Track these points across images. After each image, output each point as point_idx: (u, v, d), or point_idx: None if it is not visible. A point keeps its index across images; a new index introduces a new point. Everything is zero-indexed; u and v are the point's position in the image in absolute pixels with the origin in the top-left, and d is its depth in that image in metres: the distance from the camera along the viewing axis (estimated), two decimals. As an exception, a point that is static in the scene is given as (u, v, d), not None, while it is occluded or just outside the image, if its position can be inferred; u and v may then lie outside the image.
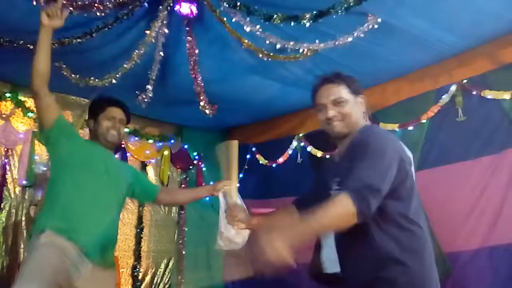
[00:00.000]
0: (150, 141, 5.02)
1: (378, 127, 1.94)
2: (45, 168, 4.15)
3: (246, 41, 3.18)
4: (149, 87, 3.54)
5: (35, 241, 2.12)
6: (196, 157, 5.26)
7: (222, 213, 2.30)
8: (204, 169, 5.27)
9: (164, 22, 3.08)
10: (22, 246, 3.92)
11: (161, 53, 3.30)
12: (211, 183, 3.50)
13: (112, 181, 2.39)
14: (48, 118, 2.28)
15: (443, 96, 3.64)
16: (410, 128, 3.80)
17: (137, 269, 4.77)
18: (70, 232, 2.15)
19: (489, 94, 3.36)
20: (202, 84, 3.59)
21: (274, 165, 4.96)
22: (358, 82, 1.91)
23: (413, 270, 1.59)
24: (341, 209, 1.49)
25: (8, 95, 4.06)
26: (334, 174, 1.77)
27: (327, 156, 4.34)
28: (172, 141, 5.22)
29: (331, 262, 2.66)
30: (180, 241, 5.08)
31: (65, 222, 2.17)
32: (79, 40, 3.08)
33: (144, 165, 5.00)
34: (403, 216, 1.64)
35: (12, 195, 4.04)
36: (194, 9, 2.95)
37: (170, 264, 5.02)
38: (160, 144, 5.11)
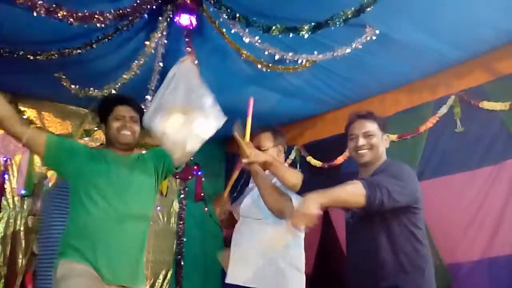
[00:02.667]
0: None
1: (398, 161, 2.21)
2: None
3: (245, 52, 3.19)
4: (149, 97, 3.55)
5: (54, 276, 2.01)
6: (195, 167, 5.26)
7: None
8: (203, 179, 5.26)
9: (164, 33, 3.11)
10: (20, 256, 3.91)
11: (161, 64, 3.32)
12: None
13: (123, 191, 2.13)
14: (37, 146, 2.08)
15: (441, 107, 3.65)
16: (409, 138, 3.81)
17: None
18: (85, 254, 2.00)
19: (487, 105, 3.37)
20: (202, 94, 3.60)
21: (273, 175, 4.95)
22: (386, 122, 2.26)
23: (417, 283, 1.94)
24: (353, 189, 1.85)
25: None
26: None
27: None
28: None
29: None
30: (179, 252, 5.06)
31: (79, 245, 2.02)
32: (79, 51, 3.09)
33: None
34: (414, 235, 1.98)
35: (11, 205, 4.03)
36: (194, 20, 2.96)
37: (169, 275, 5.00)
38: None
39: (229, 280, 2.40)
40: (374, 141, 2.11)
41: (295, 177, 2.24)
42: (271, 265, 2.36)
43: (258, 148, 2.36)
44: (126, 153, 2.24)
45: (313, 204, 1.71)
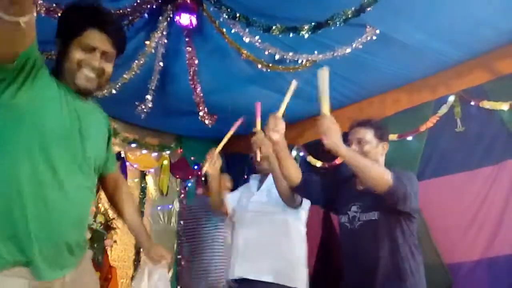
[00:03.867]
0: (150, 150, 5.03)
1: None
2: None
3: (245, 52, 3.20)
4: (149, 97, 3.55)
5: None
6: (196, 167, 5.26)
7: None
8: (203, 178, 5.26)
9: (164, 33, 3.10)
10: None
11: (161, 64, 3.32)
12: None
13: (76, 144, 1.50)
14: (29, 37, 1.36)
15: (442, 107, 3.64)
16: (409, 138, 3.81)
17: (136, 280, 4.74)
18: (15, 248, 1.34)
19: (487, 105, 3.37)
20: (202, 94, 3.61)
21: (273, 175, 4.96)
22: (387, 131, 2.33)
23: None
24: (384, 174, 1.91)
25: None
26: (354, 199, 2.18)
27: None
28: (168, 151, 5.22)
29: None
30: (180, 252, 5.06)
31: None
32: (79, 50, 3.09)
33: (143, 175, 5.00)
34: (413, 243, 2.08)
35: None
36: (194, 20, 2.96)
37: (169, 274, 5.00)
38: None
39: (239, 274, 2.50)
40: (366, 148, 2.17)
41: (297, 172, 2.26)
42: (282, 259, 2.49)
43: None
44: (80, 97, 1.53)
45: (337, 139, 1.89)
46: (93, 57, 1.48)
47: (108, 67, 1.54)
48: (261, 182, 2.79)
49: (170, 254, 1.84)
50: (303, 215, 2.68)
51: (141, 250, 4.73)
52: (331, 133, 1.89)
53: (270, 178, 2.65)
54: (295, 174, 2.25)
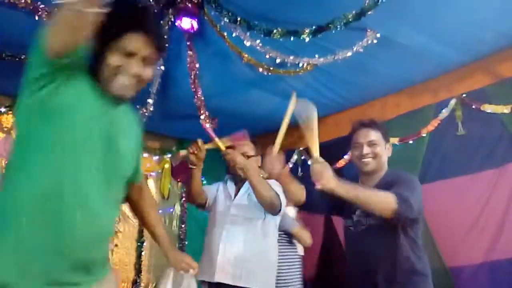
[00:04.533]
0: (151, 154, 5.03)
1: (400, 171, 2.29)
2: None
3: (246, 55, 3.20)
4: (150, 101, 3.56)
5: None
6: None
7: None
8: (204, 182, 5.26)
9: (165, 37, 3.11)
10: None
11: (162, 67, 3.33)
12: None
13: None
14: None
15: (443, 110, 3.64)
16: (411, 142, 3.81)
17: (138, 283, 4.73)
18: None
19: (489, 108, 3.36)
20: (203, 98, 3.61)
21: (275, 178, 4.95)
22: (388, 129, 2.32)
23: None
24: (386, 199, 1.88)
25: (9, 108, 4.09)
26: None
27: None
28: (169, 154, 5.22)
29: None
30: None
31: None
32: (80, 54, 3.09)
33: (145, 178, 5.00)
34: (417, 245, 2.08)
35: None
36: (195, 24, 2.97)
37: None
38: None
39: (220, 279, 2.49)
40: (378, 150, 2.16)
41: (302, 193, 2.27)
42: (261, 264, 2.54)
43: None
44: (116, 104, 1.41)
45: (332, 181, 1.84)
46: (133, 63, 1.32)
47: (149, 72, 1.38)
48: (236, 184, 2.81)
49: (196, 264, 1.81)
50: (278, 220, 2.75)
51: (142, 254, 4.76)
52: (325, 178, 1.86)
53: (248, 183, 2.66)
54: (301, 196, 2.25)
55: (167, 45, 3.15)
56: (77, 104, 1.28)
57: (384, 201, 1.89)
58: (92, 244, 1.32)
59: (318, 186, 1.85)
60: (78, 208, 1.26)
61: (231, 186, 2.83)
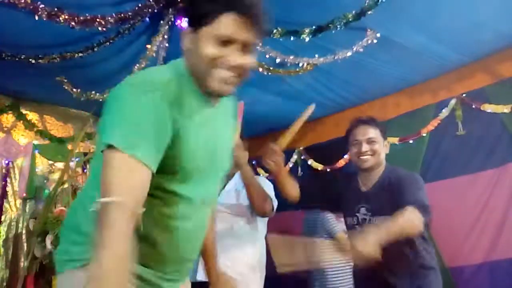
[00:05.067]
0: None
1: (399, 168, 2.27)
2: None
3: (246, 55, 3.20)
4: (150, 100, 3.56)
5: None
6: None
7: None
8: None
9: (165, 36, 3.11)
10: (22, 259, 3.90)
11: (162, 68, 3.33)
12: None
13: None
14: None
15: (443, 110, 3.64)
16: (411, 142, 3.81)
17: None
18: None
19: (489, 108, 3.37)
20: (203, 97, 3.61)
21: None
22: (387, 127, 2.33)
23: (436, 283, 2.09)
24: (413, 219, 1.84)
25: (9, 108, 4.09)
26: (361, 200, 2.16)
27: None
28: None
29: None
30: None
31: None
32: (80, 54, 3.10)
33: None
34: (425, 239, 2.13)
35: (13, 208, 4.04)
36: (195, 24, 2.97)
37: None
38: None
39: (201, 277, 2.26)
40: (376, 147, 2.15)
41: (297, 190, 2.24)
42: (245, 264, 2.42)
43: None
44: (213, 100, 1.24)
45: (373, 246, 1.67)
46: (232, 53, 1.11)
47: (250, 61, 1.17)
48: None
49: None
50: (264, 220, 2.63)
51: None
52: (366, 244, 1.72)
53: (235, 178, 2.55)
54: (296, 194, 2.23)
55: (167, 45, 3.16)
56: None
57: (412, 224, 1.85)
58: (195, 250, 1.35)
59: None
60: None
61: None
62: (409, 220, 1.84)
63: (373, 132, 2.18)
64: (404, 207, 1.85)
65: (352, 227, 2.22)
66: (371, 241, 1.67)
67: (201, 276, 2.29)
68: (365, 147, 2.15)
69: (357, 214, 2.17)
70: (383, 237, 1.71)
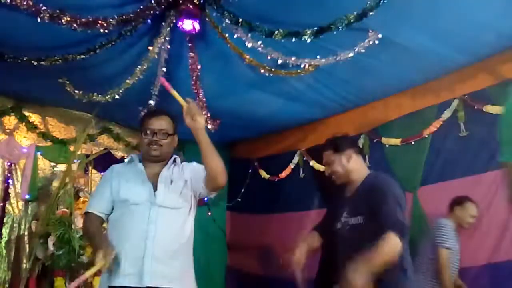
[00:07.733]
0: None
1: (383, 173, 2.40)
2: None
3: (247, 56, 3.20)
4: (152, 102, 3.56)
5: None
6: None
7: None
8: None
9: (167, 38, 3.12)
10: (24, 260, 3.91)
11: (164, 69, 3.33)
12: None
13: None
14: None
15: (445, 111, 3.63)
16: (412, 143, 3.80)
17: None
18: None
19: (491, 109, 3.35)
20: (204, 99, 3.62)
21: (276, 179, 4.95)
22: (346, 140, 2.46)
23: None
24: (392, 245, 1.97)
25: (11, 110, 4.10)
26: (345, 206, 2.29)
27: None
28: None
29: None
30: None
31: None
32: (82, 56, 3.11)
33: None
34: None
35: (15, 210, 4.04)
36: (197, 25, 2.97)
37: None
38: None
39: (148, 283, 2.04)
40: (333, 169, 2.34)
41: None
42: (186, 262, 2.39)
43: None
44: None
45: (361, 279, 1.86)
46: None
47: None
48: (147, 168, 2.27)
49: None
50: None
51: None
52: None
53: (166, 167, 2.30)
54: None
55: (168, 46, 3.17)
56: None
57: (393, 250, 1.98)
58: None
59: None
60: None
61: (141, 171, 2.25)
62: (391, 251, 1.97)
63: (326, 156, 2.38)
64: (385, 231, 1.97)
65: (338, 231, 2.30)
66: (358, 277, 1.86)
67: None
68: (329, 171, 2.36)
69: (341, 218, 2.29)
70: (370, 272, 1.88)
